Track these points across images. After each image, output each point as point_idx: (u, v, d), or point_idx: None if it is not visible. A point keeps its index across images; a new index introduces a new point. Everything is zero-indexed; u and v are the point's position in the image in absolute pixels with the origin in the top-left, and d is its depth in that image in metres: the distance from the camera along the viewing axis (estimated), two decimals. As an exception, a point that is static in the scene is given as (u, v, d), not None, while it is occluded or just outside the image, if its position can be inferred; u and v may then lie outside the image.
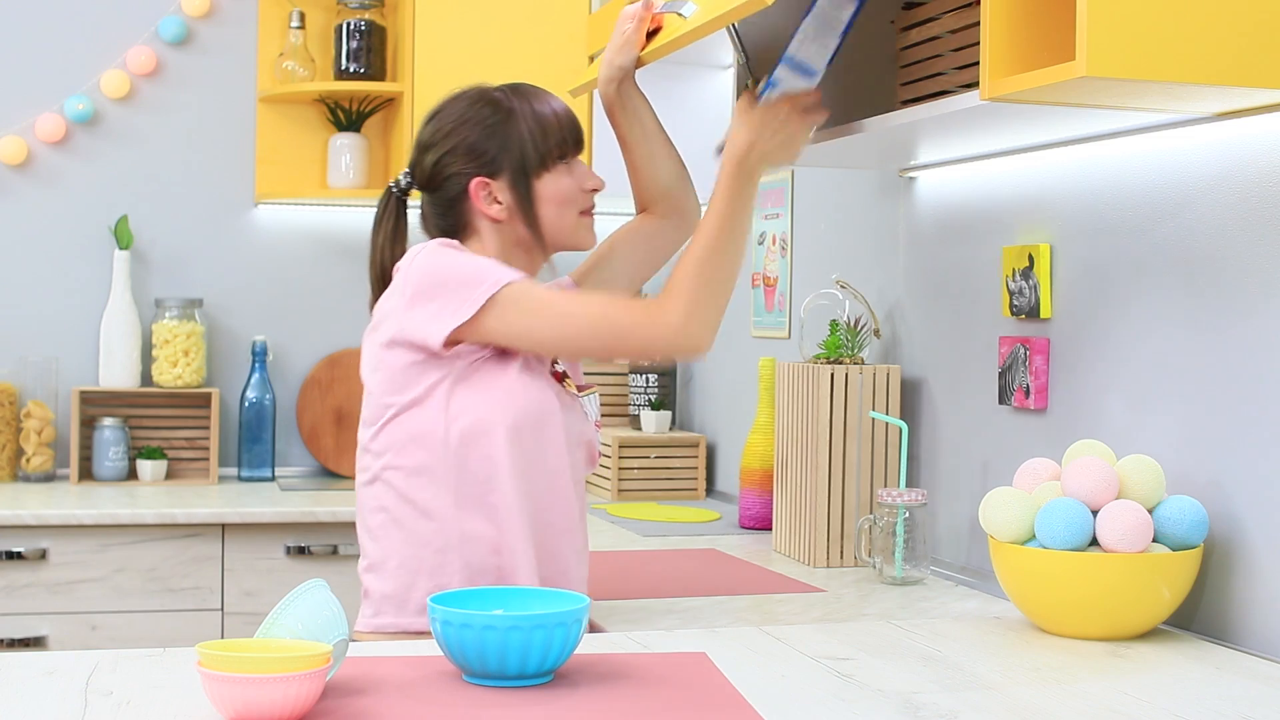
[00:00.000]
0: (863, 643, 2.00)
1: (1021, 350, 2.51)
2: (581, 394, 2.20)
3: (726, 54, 2.93)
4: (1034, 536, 2.08)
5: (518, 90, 2.23)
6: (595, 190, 2.24)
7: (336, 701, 1.59)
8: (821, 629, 2.11)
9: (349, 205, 4.27)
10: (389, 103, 4.19)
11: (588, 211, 2.24)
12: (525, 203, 2.19)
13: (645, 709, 1.62)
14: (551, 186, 2.20)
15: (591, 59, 3.67)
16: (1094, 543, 2.04)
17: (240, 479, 4.06)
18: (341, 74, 4.10)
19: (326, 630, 1.62)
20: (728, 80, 2.99)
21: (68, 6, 4.09)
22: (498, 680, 1.67)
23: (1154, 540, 2.04)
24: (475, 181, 2.18)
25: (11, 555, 3.41)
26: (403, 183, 2.30)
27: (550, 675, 1.70)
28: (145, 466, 3.95)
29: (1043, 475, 2.16)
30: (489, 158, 2.18)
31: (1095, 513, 2.04)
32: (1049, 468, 2.17)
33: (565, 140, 2.20)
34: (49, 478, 3.94)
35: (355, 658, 1.76)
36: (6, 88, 4.06)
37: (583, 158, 2.27)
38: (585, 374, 2.33)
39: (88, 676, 1.70)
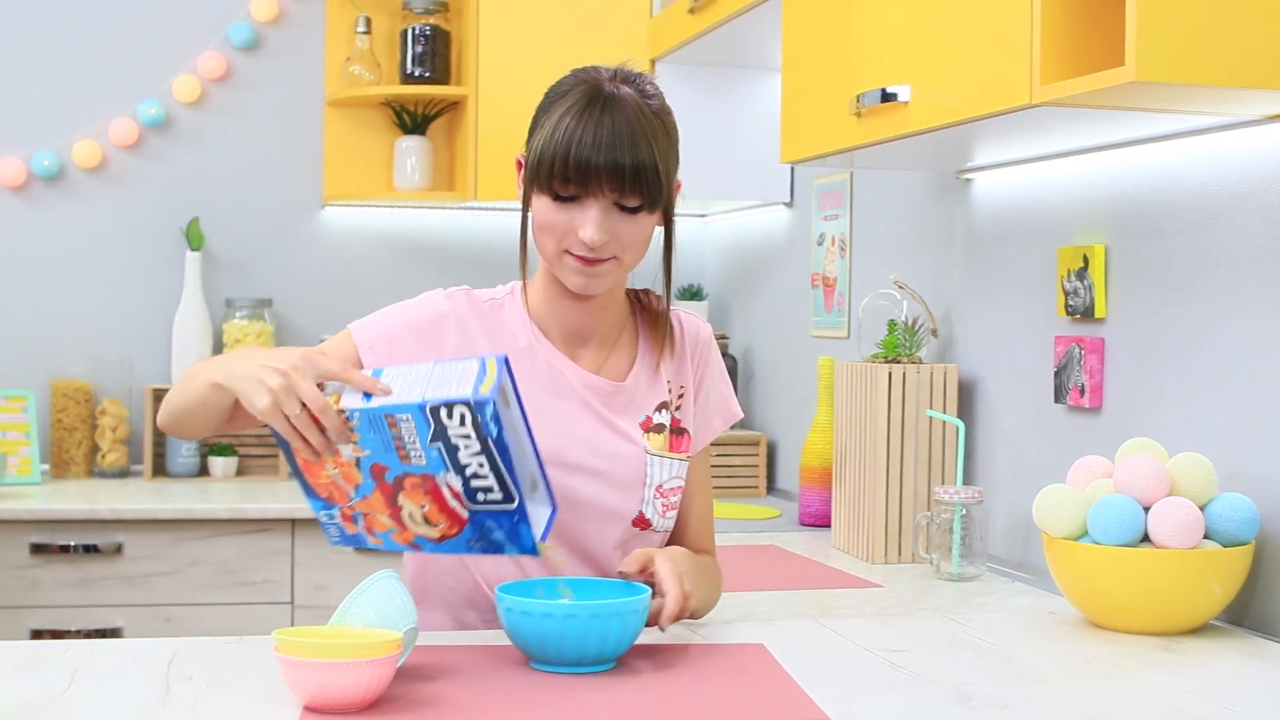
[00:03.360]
0: (918, 636, 2.03)
1: (1076, 350, 2.54)
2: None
3: (775, 54, 2.97)
4: (1087, 533, 2.11)
5: (592, 90, 1.90)
6: (586, 244, 1.88)
7: (407, 687, 1.64)
8: (878, 622, 2.14)
9: (415, 207, 4.34)
10: (453, 106, 4.26)
11: (577, 257, 1.91)
12: (524, 202, 1.97)
13: (704, 696, 1.66)
14: (540, 207, 1.92)
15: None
16: (1146, 539, 2.07)
17: (308, 475, 4.12)
18: (407, 78, 4.17)
19: (397, 619, 1.68)
20: (776, 83, 3.03)
21: (141, 14, 4.18)
22: (558, 666, 1.72)
23: (1205, 537, 2.06)
24: (520, 155, 2.00)
25: (88, 549, 3.50)
26: None
27: (612, 662, 1.75)
28: (217, 463, 4.03)
29: (1096, 472, 2.19)
30: (530, 136, 1.96)
31: (1147, 509, 2.07)
32: (1102, 465, 2.19)
33: (556, 178, 1.88)
34: (123, 473, 4.04)
35: (424, 646, 1.82)
36: (82, 93, 4.16)
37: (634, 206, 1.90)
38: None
39: (168, 662, 1.76)
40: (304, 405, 1.70)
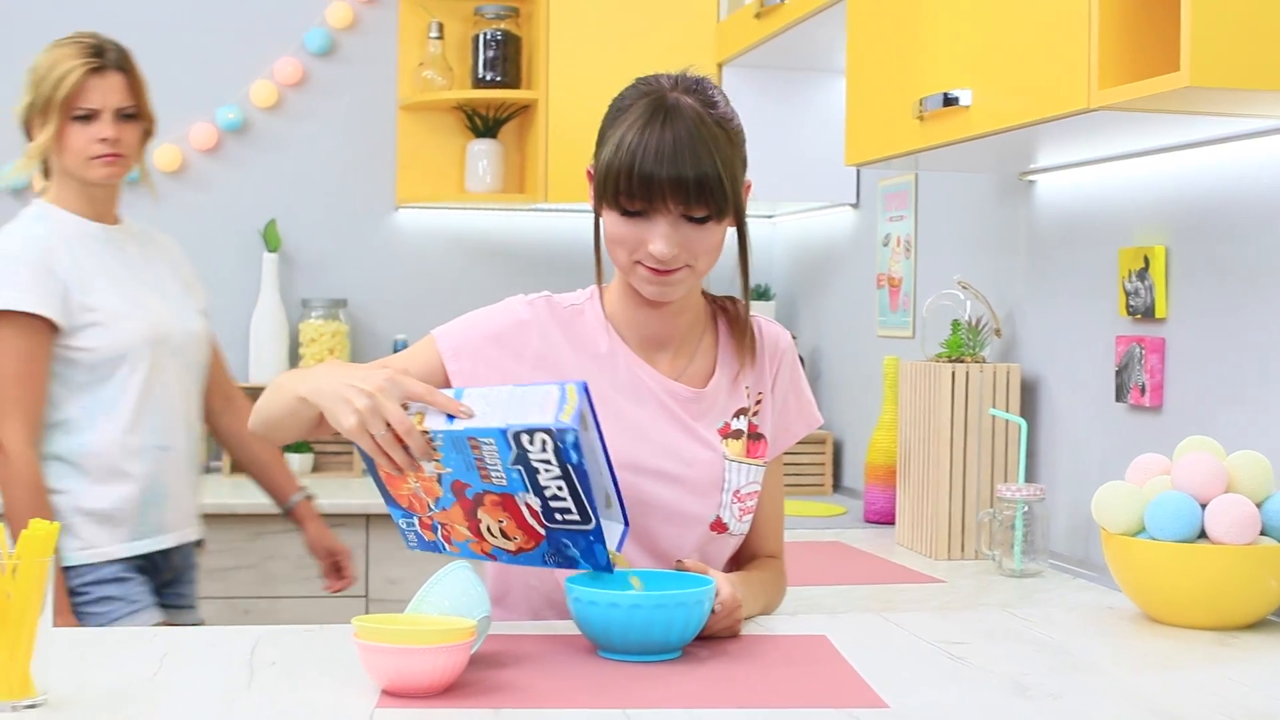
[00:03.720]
0: (977, 629, 2.06)
1: (1137, 349, 2.57)
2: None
3: (840, 58, 3.01)
4: (1144, 529, 2.14)
5: (654, 103, 1.90)
6: (656, 256, 1.90)
7: (480, 673, 1.70)
8: (939, 616, 2.17)
9: (486, 209, 4.41)
10: (524, 109, 4.32)
11: (649, 268, 1.92)
12: (595, 211, 1.97)
13: (767, 684, 1.71)
14: (610, 221, 1.93)
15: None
16: (1203, 535, 2.09)
17: (382, 472, 4.20)
18: (479, 82, 4.24)
19: (471, 608, 1.74)
20: (841, 86, 3.07)
21: (219, 21, 4.28)
22: (625, 655, 1.78)
23: (1262, 534, 2.09)
24: (590, 166, 2.00)
25: (169, 542, 3.58)
26: None
27: (677, 651, 1.80)
28: (293, 459, 4.11)
29: (1154, 470, 2.21)
30: (597, 149, 1.96)
31: (1204, 506, 2.09)
32: (1160, 462, 2.21)
33: (622, 194, 1.88)
34: (203, 469, 4.11)
35: (497, 635, 1.88)
36: (162, 99, 4.20)
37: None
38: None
39: (251, 649, 1.82)
40: (389, 426, 1.75)
